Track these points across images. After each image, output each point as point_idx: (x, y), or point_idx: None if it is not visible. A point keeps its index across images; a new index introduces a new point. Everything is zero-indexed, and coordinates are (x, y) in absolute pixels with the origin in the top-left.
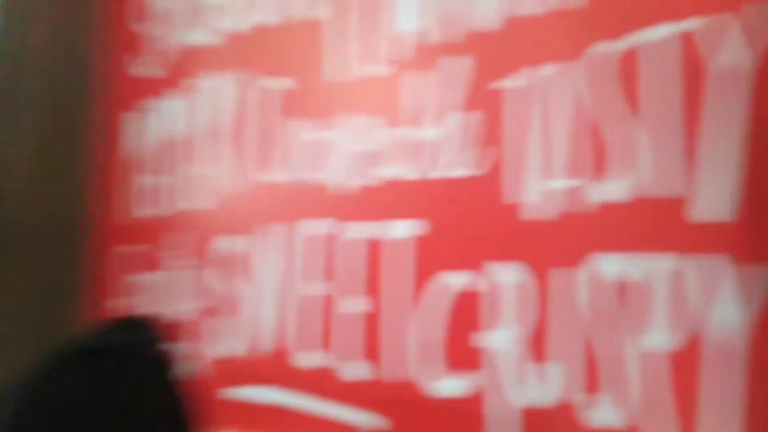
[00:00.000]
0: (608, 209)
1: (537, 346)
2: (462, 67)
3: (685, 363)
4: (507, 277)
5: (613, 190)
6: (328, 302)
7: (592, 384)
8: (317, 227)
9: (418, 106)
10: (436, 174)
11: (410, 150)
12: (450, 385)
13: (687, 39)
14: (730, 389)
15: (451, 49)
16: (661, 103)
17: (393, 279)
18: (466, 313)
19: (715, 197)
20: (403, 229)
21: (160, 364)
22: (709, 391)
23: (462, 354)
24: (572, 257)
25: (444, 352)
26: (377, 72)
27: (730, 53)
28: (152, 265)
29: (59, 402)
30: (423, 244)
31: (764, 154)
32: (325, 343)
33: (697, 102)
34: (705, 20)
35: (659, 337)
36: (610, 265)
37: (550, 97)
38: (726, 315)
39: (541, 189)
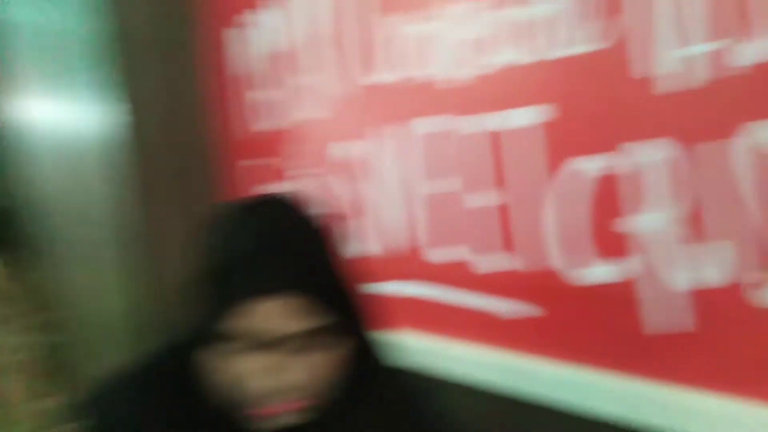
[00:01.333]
0: (758, 71)
1: (694, 226)
2: None
3: None
4: (650, 156)
5: (763, 48)
6: (454, 198)
7: (759, 262)
8: (433, 124)
9: None
10: (554, 54)
11: (522, 31)
12: (598, 272)
13: None
14: None
15: None
16: None
17: (522, 169)
18: (606, 198)
19: None
20: (526, 117)
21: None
22: None
23: (606, 240)
24: (722, 128)
25: (588, 238)
26: None
27: None
28: (276, 176)
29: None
30: (551, 129)
31: None
32: (457, 238)
33: None
34: None
35: None
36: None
37: None
38: None
39: (676, 57)
